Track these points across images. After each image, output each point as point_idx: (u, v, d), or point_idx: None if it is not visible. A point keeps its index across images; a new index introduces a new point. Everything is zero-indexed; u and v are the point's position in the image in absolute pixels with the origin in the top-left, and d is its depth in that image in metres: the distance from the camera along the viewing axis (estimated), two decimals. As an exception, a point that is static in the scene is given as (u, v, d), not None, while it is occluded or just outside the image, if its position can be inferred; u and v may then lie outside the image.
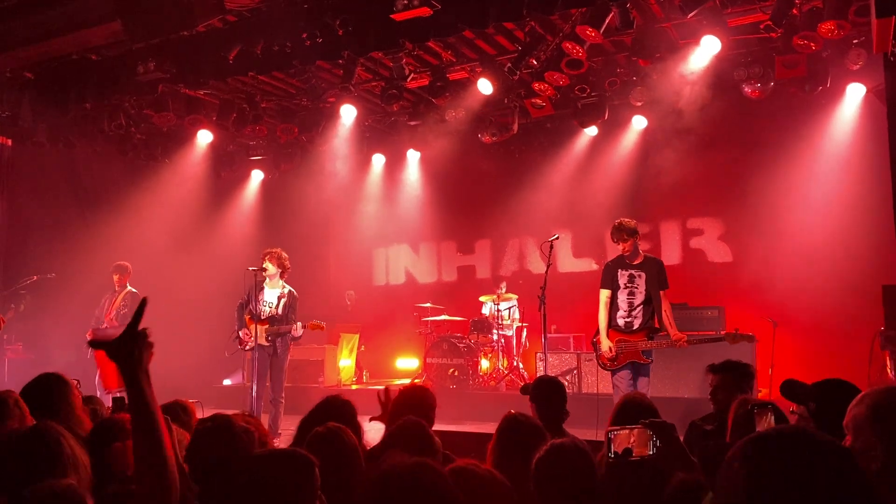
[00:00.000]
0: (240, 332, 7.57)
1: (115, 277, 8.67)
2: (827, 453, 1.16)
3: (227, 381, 10.91)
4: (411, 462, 1.90)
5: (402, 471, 1.85)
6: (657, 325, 6.14)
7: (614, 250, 6.48)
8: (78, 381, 3.39)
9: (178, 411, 3.24)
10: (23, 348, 9.53)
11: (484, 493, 2.17)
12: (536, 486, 2.36)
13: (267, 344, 7.41)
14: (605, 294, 6.27)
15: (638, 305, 6.12)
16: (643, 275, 6.14)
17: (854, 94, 8.68)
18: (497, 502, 2.21)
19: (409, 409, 3.53)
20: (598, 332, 6.30)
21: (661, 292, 6.13)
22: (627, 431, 2.32)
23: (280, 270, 7.55)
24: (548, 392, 4.07)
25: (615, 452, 2.30)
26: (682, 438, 4.13)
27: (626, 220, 6.25)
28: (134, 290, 8.68)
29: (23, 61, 8.04)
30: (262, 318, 7.43)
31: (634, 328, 6.11)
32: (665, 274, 6.27)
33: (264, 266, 7.47)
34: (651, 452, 2.28)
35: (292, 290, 7.62)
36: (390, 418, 3.59)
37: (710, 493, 2.17)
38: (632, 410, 2.98)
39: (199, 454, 2.43)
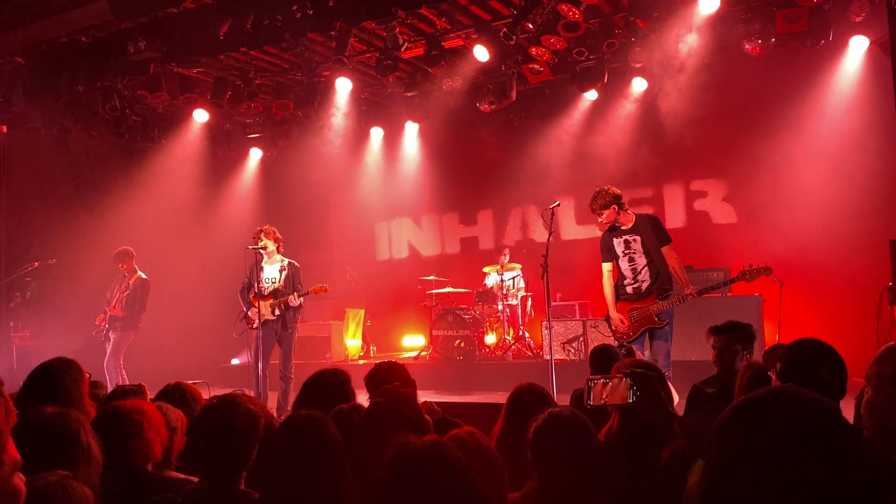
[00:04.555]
0: (248, 313, 7.56)
1: (120, 265, 8.66)
2: (815, 413, 1.15)
3: (235, 361, 10.94)
4: (426, 443, 1.87)
5: (416, 452, 1.82)
6: (667, 286, 5.88)
7: None
8: (90, 374, 3.36)
9: (173, 395, 3.22)
10: (30, 335, 9.57)
11: (478, 462, 2.14)
12: (532, 454, 2.32)
13: (273, 318, 7.40)
14: (605, 267, 6.12)
15: (642, 269, 5.93)
16: (638, 238, 5.94)
17: (857, 47, 8.50)
18: (490, 472, 2.19)
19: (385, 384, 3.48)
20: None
21: (664, 248, 5.89)
22: (608, 381, 2.39)
23: (276, 245, 7.52)
24: (597, 362, 4.13)
25: (595, 402, 2.38)
26: (685, 401, 4.13)
27: (603, 189, 5.97)
28: (143, 275, 8.65)
29: (12, 46, 7.96)
30: (266, 293, 7.43)
31: (644, 291, 5.91)
32: (662, 228, 6.03)
33: (263, 244, 7.43)
34: (631, 401, 2.34)
35: (292, 261, 7.60)
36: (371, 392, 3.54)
37: (699, 461, 2.16)
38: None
39: (202, 434, 2.41)
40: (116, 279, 8.70)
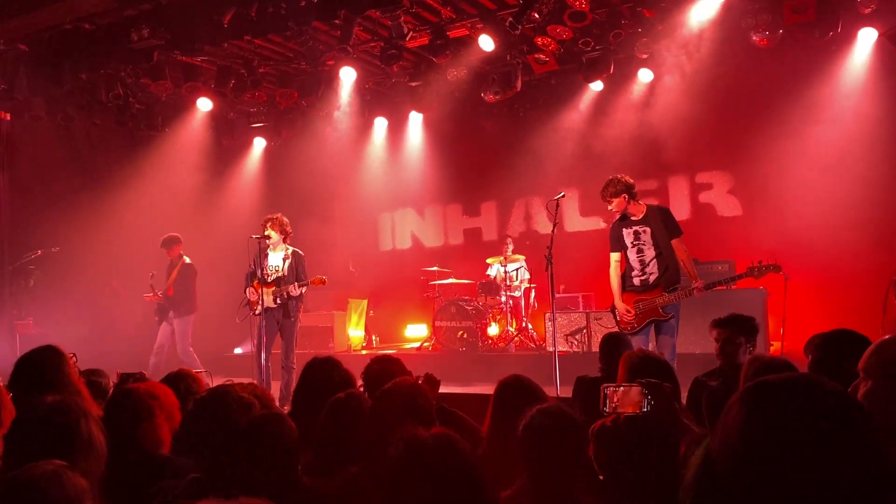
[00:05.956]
0: (246, 293, 7.58)
1: (167, 251, 8.81)
2: (829, 400, 1.13)
3: (238, 350, 10.94)
4: (435, 436, 1.87)
5: (426, 445, 1.83)
6: (675, 279, 5.83)
7: None
8: (74, 354, 3.36)
9: (176, 384, 3.21)
10: (33, 323, 9.58)
11: None
12: (522, 452, 2.30)
13: (275, 306, 7.40)
14: (613, 257, 6.07)
15: (650, 261, 5.88)
16: (647, 229, 5.89)
17: (866, 39, 8.40)
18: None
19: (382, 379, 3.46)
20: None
21: (674, 241, 5.84)
22: (622, 389, 2.37)
23: (283, 236, 7.51)
24: (607, 349, 4.12)
25: (609, 409, 2.36)
26: (686, 394, 4.11)
27: (616, 177, 5.93)
28: (188, 259, 8.80)
29: (15, 32, 7.93)
30: (269, 281, 7.43)
31: (651, 283, 5.86)
32: (673, 220, 5.97)
33: (267, 234, 7.42)
34: (645, 410, 2.32)
35: (296, 250, 7.59)
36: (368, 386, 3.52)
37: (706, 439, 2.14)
38: (640, 366, 2.91)
39: (193, 425, 2.39)
40: (167, 265, 8.85)
